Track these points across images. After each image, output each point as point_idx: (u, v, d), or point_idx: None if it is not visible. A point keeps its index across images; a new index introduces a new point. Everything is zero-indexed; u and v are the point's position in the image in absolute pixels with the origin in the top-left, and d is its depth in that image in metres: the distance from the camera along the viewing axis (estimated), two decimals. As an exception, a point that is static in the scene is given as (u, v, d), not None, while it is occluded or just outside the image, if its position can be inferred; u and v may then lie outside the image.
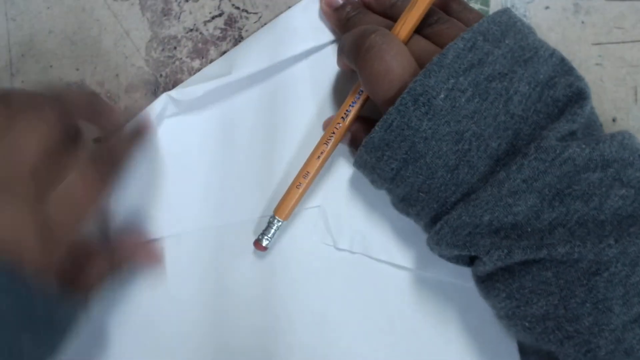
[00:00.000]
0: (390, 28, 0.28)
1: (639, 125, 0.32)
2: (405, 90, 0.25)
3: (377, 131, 0.26)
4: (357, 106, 0.29)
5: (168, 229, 0.32)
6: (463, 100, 0.24)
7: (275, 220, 0.30)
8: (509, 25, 0.26)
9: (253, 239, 0.31)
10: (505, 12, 0.26)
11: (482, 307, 0.27)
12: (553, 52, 0.26)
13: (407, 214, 0.28)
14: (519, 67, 0.25)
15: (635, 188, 0.23)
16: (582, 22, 0.32)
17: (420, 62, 0.26)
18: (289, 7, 0.33)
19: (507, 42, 0.25)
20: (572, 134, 0.24)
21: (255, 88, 0.33)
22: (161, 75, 0.33)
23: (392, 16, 0.30)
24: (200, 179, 0.33)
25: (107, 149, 0.28)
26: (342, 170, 0.32)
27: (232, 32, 0.33)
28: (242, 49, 0.33)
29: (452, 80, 0.24)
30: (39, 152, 0.24)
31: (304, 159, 0.30)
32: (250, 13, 0.33)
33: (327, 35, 0.32)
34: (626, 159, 0.23)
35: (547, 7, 0.32)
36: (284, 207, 0.30)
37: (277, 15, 0.33)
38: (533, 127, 0.24)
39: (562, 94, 0.25)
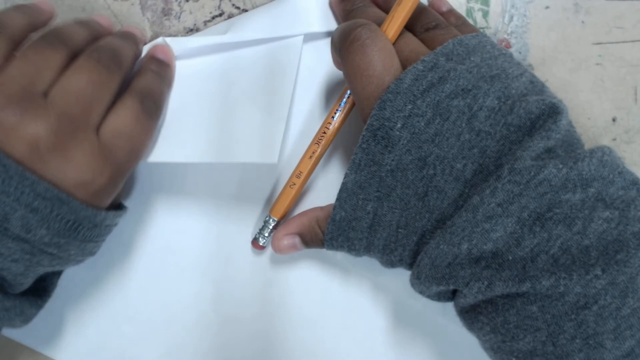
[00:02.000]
0: None
1: (639, 125, 0.32)
2: (365, 127, 0.25)
3: (348, 174, 0.25)
4: (348, 105, 0.29)
5: (163, 155, 0.31)
6: (422, 124, 0.24)
7: (271, 220, 0.30)
8: (477, 47, 0.25)
9: (251, 234, 0.32)
10: (477, 36, 0.26)
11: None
12: (523, 73, 0.25)
13: (392, 264, 0.27)
14: (484, 82, 0.24)
15: (620, 209, 0.21)
16: (582, 22, 0.32)
17: (407, 63, 0.25)
18: (289, 7, 0.33)
19: (472, 59, 0.25)
20: (549, 151, 0.23)
21: (252, 51, 0.32)
22: (161, 75, 0.33)
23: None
24: (196, 116, 0.31)
25: (148, 84, 0.27)
26: (335, 171, 0.32)
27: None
28: (245, 18, 0.32)
29: (409, 106, 0.24)
30: (92, 88, 0.25)
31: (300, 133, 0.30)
32: (251, 13, 0.33)
33: (330, 24, 0.32)
34: (606, 177, 0.22)
35: (547, 7, 0.32)
36: (279, 207, 0.30)
37: (277, 15, 0.33)
38: (502, 142, 0.23)
39: (536, 107, 0.23)
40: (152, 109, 0.27)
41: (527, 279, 0.21)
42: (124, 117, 0.25)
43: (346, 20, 0.30)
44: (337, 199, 0.26)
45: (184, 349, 0.33)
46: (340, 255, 0.32)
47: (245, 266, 0.33)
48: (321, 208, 0.29)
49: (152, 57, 0.30)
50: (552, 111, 0.23)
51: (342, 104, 0.29)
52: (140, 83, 0.27)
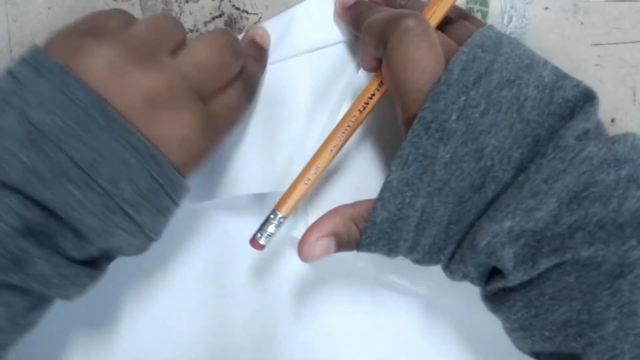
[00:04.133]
0: None
1: (638, 126, 0.32)
2: (415, 120, 0.24)
3: (394, 171, 0.24)
4: (375, 99, 0.28)
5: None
6: (477, 115, 0.24)
7: (278, 217, 0.27)
8: (498, 37, 0.26)
9: (243, 230, 0.29)
10: (491, 27, 0.26)
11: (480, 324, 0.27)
12: (545, 60, 0.26)
13: (438, 261, 0.26)
14: (523, 72, 0.24)
15: None
16: (582, 23, 0.32)
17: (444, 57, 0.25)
18: (289, 8, 0.33)
19: (504, 49, 0.25)
20: (586, 132, 0.24)
21: None
22: (161, 76, 0.33)
23: None
24: None
25: (248, 69, 0.29)
26: (337, 168, 0.32)
27: (233, 32, 0.33)
28: None
29: (462, 98, 0.24)
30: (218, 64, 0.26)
31: (299, 146, 0.30)
32: (251, 14, 0.33)
33: (336, 36, 0.32)
34: (636, 160, 0.22)
35: (546, 8, 0.32)
36: (288, 202, 0.27)
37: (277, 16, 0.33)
38: (550, 131, 0.24)
39: (572, 94, 0.24)
40: (250, 93, 0.29)
41: (567, 250, 0.22)
42: (230, 95, 0.27)
43: (357, 25, 0.30)
44: (379, 199, 0.25)
45: (186, 357, 0.33)
46: (350, 255, 0.32)
47: (245, 269, 0.33)
48: (351, 206, 0.27)
49: (251, 42, 0.31)
50: (588, 96, 0.24)
51: (370, 97, 0.28)
52: (245, 69, 0.29)
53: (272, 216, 0.28)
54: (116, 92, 0.22)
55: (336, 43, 0.32)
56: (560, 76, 0.25)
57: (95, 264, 0.25)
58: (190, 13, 0.33)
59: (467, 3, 0.33)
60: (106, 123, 0.22)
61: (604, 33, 0.32)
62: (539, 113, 0.24)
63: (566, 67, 0.26)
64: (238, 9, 0.33)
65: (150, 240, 0.25)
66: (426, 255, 0.26)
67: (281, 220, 0.28)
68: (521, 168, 0.24)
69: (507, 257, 0.23)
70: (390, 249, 0.26)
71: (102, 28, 0.24)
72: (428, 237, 0.25)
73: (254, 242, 0.28)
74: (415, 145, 0.24)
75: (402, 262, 0.27)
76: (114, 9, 0.27)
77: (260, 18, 0.33)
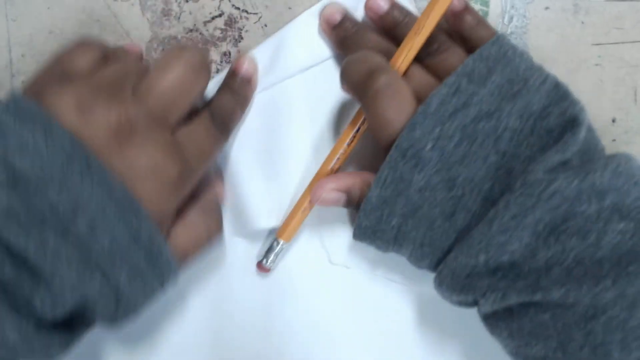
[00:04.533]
0: (390, 50, 0.28)
1: (638, 126, 0.32)
2: (393, 146, 0.25)
3: (374, 189, 0.26)
4: (360, 133, 0.29)
5: None
6: (451, 146, 0.25)
7: (281, 243, 0.30)
8: (497, 57, 0.25)
9: (248, 254, 0.32)
10: (497, 42, 0.26)
11: (475, 323, 0.27)
12: (546, 79, 0.25)
13: (420, 267, 0.27)
14: (506, 102, 0.25)
15: (635, 220, 0.22)
16: (582, 23, 0.32)
17: (419, 98, 0.26)
18: (289, 8, 0.33)
19: (493, 78, 0.25)
20: (565, 163, 0.23)
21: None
22: (161, 76, 0.33)
23: (394, 36, 0.29)
24: None
25: (219, 101, 0.29)
26: None
27: (232, 32, 0.33)
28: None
29: (437, 129, 0.24)
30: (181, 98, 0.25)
31: (297, 169, 0.31)
32: (250, 13, 0.33)
33: (325, 53, 0.32)
34: (620, 187, 0.22)
35: (546, 8, 0.32)
36: (289, 230, 0.30)
37: (277, 16, 0.33)
38: (527, 163, 0.24)
39: (555, 123, 0.24)
40: (221, 125, 0.28)
41: (539, 289, 0.22)
42: (196, 125, 0.27)
43: (342, 47, 0.30)
44: (362, 210, 0.26)
45: (185, 356, 0.33)
46: (343, 269, 0.32)
47: (246, 284, 0.32)
48: (371, 174, 0.28)
49: (233, 73, 0.31)
50: (572, 125, 0.24)
51: (356, 131, 0.29)
52: (214, 102, 0.29)
53: (275, 243, 0.30)
54: (85, 132, 0.22)
55: (326, 59, 0.32)
56: (554, 100, 0.25)
57: (69, 326, 0.24)
58: (190, 13, 0.33)
59: (468, 2, 0.32)
60: (86, 168, 0.22)
61: (604, 33, 0.32)
62: (517, 144, 0.24)
63: (566, 67, 0.26)
64: (238, 8, 0.33)
65: (126, 311, 0.23)
66: (410, 259, 0.27)
67: (284, 245, 0.30)
68: (490, 199, 0.24)
69: (479, 287, 0.24)
70: (378, 247, 0.27)
71: (69, 70, 0.25)
72: (406, 250, 0.27)
73: (260, 266, 0.31)
74: (393, 169, 0.25)
75: (402, 263, 0.28)
76: (82, 44, 0.27)
77: (260, 18, 0.33)
